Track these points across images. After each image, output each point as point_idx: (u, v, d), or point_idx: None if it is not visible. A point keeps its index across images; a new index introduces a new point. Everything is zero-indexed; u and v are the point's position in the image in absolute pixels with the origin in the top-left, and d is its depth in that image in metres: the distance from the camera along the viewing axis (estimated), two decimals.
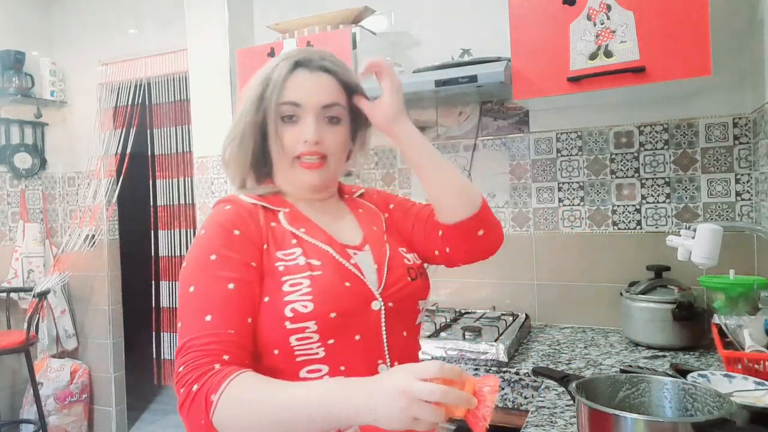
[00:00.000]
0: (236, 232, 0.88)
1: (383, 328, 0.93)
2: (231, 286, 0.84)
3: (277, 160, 0.98)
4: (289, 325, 0.84)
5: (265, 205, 0.96)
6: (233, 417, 0.74)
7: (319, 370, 0.87)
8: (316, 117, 0.95)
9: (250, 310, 0.85)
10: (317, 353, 0.86)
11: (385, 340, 0.93)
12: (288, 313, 0.84)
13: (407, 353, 0.97)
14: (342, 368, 0.87)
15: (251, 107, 0.96)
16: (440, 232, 1.05)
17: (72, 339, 3.39)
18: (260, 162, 1.00)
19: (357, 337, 0.89)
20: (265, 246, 0.90)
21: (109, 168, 3.36)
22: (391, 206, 1.13)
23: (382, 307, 0.93)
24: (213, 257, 0.85)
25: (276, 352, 0.86)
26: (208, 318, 0.81)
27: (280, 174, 1.00)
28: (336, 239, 0.96)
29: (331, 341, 0.87)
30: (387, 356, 0.92)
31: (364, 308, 0.91)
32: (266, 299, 0.86)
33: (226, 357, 0.79)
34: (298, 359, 0.86)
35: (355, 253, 0.96)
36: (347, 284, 0.90)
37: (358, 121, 1.03)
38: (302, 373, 0.87)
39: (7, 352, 2.88)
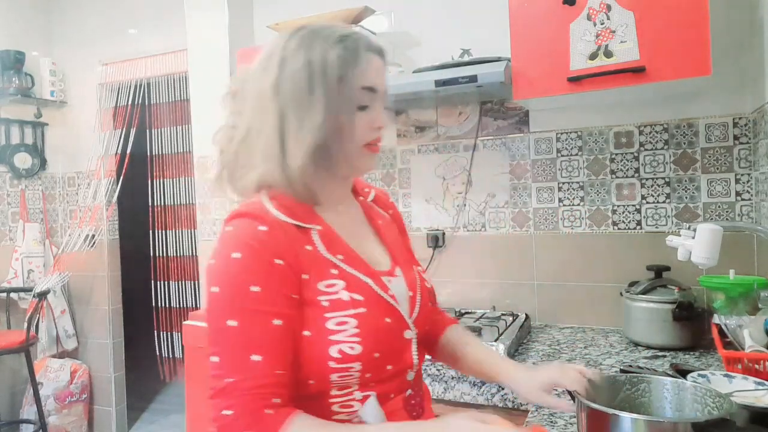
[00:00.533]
0: (278, 262, 0.80)
1: (414, 356, 0.92)
2: (277, 322, 0.79)
3: (340, 149, 0.89)
4: (333, 365, 0.81)
5: (298, 224, 0.86)
6: None
7: (351, 394, 0.86)
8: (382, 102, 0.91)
9: (293, 346, 0.81)
10: (352, 384, 0.85)
11: (414, 365, 0.93)
12: (335, 354, 0.81)
13: (421, 374, 0.99)
14: (371, 393, 0.87)
15: (334, 88, 0.85)
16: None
17: (72, 339, 3.39)
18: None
19: (389, 367, 0.88)
20: (305, 276, 0.83)
21: (109, 168, 3.35)
22: (401, 227, 1.12)
23: (414, 337, 0.92)
24: (255, 289, 0.78)
25: (312, 382, 0.83)
26: (257, 358, 0.76)
27: (342, 163, 0.91)
28: (371, 266, 0.91)
29: (368, 375, 0.85)
30: (412, 380, 0.93)
31: (400, 340, 0.90)
32: (307, 333, 0.81)
33: (277, 400, 0.77)
34: (333, 391, 0.84)
35: (389, 281, 0.92)
36: (387, 320, 0.87)
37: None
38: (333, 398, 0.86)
39: (7, 352, 2.88)
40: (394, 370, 0.89)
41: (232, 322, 0.77)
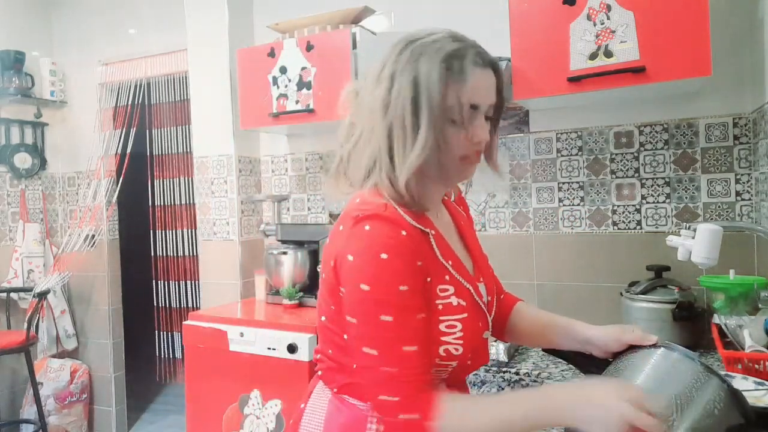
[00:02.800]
0: (419, 263, 0.87)
1: (489, 354, 1.02)
2: (421, 316, 0.85)
3: (436, 161, 0.90)
4: (438, 362, 0.89)
5: (423, 228, 0.91)
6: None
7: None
8: (484, 117, 0.92)
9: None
10: (442, 377, 0.93)
11: (488, 362, 1.03)
12: (441, 353, 0.88)
13: None
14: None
15: (438, 105, 0.86)
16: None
17: (72, 339, 3.39)
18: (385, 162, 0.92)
19: (469, 362, 0.95)
20: (428, 279, 0.89)
21: (109, 168, 3.35)
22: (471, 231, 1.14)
23: (489, 336, 1.00)
24: (403, 288, 0.84)
25: None
26: (412, 349, 0.83)
27: (437, 173, 0.92)
28: (468, 271, 0.98)
29: (457, 370, 0.94)
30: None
31: (483, 341, 0.98)
32: None
33: (430, 384, 0.85)
34: None
35: (478, 286, 0.98)
36: (480, 324, 0.95)
37: (494, 118, 0.98)
38: None
39: (7, 352, 2.88)
40: (473, 366, 0.98)
41: (386, 318, 0.83)
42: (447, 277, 0.91)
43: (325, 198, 2.58)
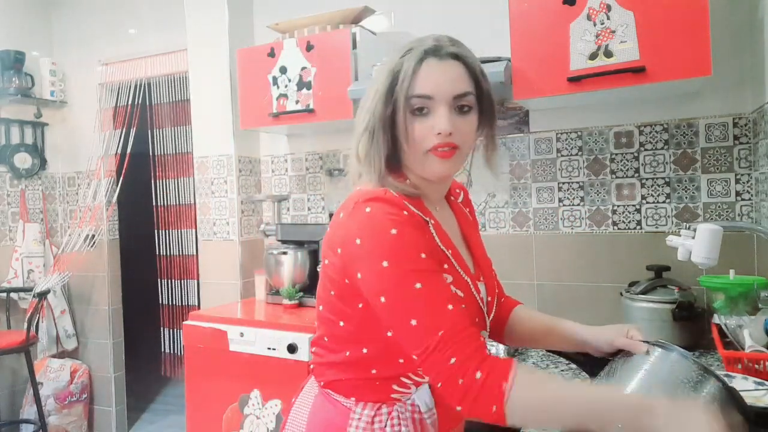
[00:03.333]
0: (426, 236, 0.89)
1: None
2: (445, 276, 0.88)
3: (408, 153, 0.93)
4: None
5: (422, 215, 0.93)
6: (527, 406, 0.77)
7: (416, 376, 0.94)
8: (448, 107, 0.91)
9: None
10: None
11: None
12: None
13: None
14: (425, 381, 0.95)
15: (380, 100, 0.92)
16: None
17: (72, 339, 3.39)
18: (392, 156, 0.95)
19: None
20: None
21: (109, 168, 3.35)
22: (476, 234, 1.14)
23: (487, 337, 1.00)
24: (423, 255, 0.84)
25: (401, 361, 0.92)
26: (450, 307, 0.82)
27: (412, 167, 0.95)
28: (468, 266, 0.98)
29: None
30: None
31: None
32: None
33: (481, 339, 0.82)
34: (407, 373, 0.94)
35: (477, 283, 0.98)
36: (477, 320, 0.94)
37: (486, 110, 0.99)
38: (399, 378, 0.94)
39: (7, 352, 2.88)
40: None
41: (418, 285, 0.82)
42: (446, 265, 0.91)
43: (325, 198, 2.58)
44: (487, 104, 0.97)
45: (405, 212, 0.87)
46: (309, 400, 1.02)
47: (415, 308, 0.82)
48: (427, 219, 0.93)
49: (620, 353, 0.94)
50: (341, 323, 0.92)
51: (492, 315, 1.03)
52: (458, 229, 1.05)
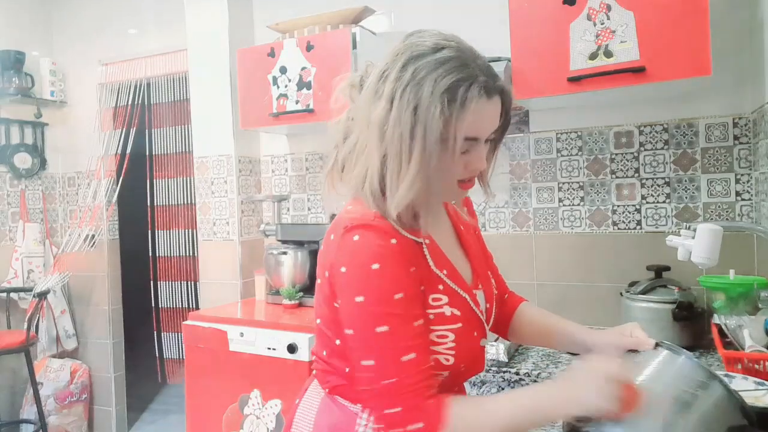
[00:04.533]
0: (412, 269, 0.86)
1: (485, 359, 1.01)
2: (419, 323, 0.85)
3: (438, 186, 0.87)
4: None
5: (414, 238, 0.90)
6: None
7: None
8: (485, 144, 0.89)
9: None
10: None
11: (484, 369, 1.02)
12: (431, 362, 0.87)
13: None
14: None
15: (432, 135, 0.81)
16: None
17: (72, 339, 3.39)
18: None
19: (462, 368, 0.94)
20: (422, 287, 0.89)
21: (109, 168, 3.35)
22: (476, 233, 1.13)
23: (487, 344, 0.99)
24: (398, 296, 0.83)
25: None
26: (410, 357, 0.82)
27: (435, 196, 0.89)
28: (465, 280, 0.96)
29: (450, 379, 0.92)
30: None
31: (479, 348, 0.97)
32: None
33: (433, 390, 0.83)
34: None
35: (476, 294, 0.97)
36: (475, 334, 0.94)
37: (498, 135, 0.95)
38: None
39: (7, 352, 2.88)
40: (468, 374, 0.98)
41: (383, 328, 0.82)
42: (441, 287, 0.91)
43: (324, 202, 2.58)
44: (503, 128, 0.95)
45: (393, 240, 0.85)
46: (314, 402, 1.01)
47: (374, 350, 0.83)
48: (421, 240, 0.91)
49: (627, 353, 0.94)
50: (338, 341, 0.92)
51: (491, 321, 1.02)
52: (455, 237, 1.04)
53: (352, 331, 0.85)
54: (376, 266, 0.83)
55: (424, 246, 0.91)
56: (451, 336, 0.88)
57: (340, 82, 0.98)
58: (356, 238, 0.85)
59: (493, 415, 0.81)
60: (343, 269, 0.85)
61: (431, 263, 0.91)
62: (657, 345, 0.90)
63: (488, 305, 1.01)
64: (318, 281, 0.95)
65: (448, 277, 0.92)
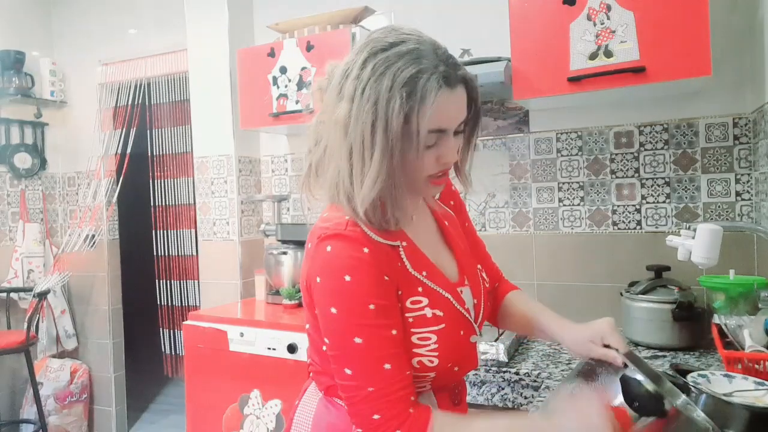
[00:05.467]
0: (386, 278, 0.86)
1: (478, 356, 1.01)
2: (394, 332, 0.85)
3: (407, 181, 0.86)
4: (412, 373, 0.88)
5: (389, 243, 0.89)
6: None
7: (419, 393, 0.93)
8: (453, 136, 0.87)
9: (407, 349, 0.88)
10: (424, 386, 0.93)
11: (477, 366, 1.02)
12: (414, 364, 0.88)
13: None
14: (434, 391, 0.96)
15: (396, 128, 0.80)
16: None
17: (72, 339, 3.39)
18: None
19: (456, 369, 0.95)
20: (399, 292, 0.88)
21: (109, 168, 3.35)
22: (467, 225, 1.13)
23: (478, 340, 0.99)
24: (372, 307, 0.83)
25: None
26: (388, 366, 0.83)
27: (406, 192, 0.88)
28: (448, 279, 0.95)
29: (437, 378, 0.93)
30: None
31: (468, 345, 0.97)
32: None
33: (413, 398, 0.84)
34: None
35: (461, 291, 0.97)
36: (462, 332, 0.94)
37: (473, 125, 0.94)
38: None
39: (7, 352, 2.88)
40: (460, 371, 0.97)
41: (358, 340, 0.83)
42: (420, 289, 0.90)
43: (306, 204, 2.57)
44: (475, 120, 0.93)
45: (366, 249, 0.85)
46: (312, 403, 1.01)
47: (352, 360, 0.84)
48: (397, 243, 0.90)
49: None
50: (324, 347, 0.91)
51: (481, 317, 1.01)
52: (438, 233, 1.03)
53: (329, 340, 0.86)
54: (348, 278, 0.83)
55: (400, 249, 0.90)
56: (434, 338, 0.88)
57: (313, 86, 0.98)
58: (329, 248, 0.86)
59: None
60: (318, 279, 0.86)
61: (408, 266, 0.90)
62: (624, 365, 0.89)
63: (476, 301, 1.00)
64: (303, 289, 0.95)
65: (428, 278, 0.91)
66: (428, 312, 0.89)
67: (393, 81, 0.81)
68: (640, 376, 0.84)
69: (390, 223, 0.88)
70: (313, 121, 0.95)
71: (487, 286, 1.06)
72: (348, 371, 0.84)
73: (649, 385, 0.83)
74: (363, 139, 0.82)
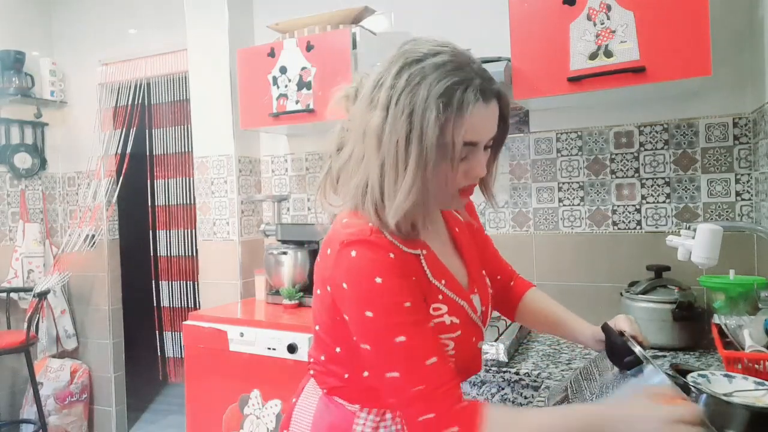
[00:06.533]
0: (414, 278, 0.87)
1: (482, 359, 1.03)
2: (431, 325, 0.86)
3: (438, 194, 0.87)
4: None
5: (411, 251, 0.90)
6: None
7: None
8: (484, 150, 0.88)
9: None
10: None
11: (481, 370, 1.07)
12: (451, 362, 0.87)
13: None
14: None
15: (431, 140, 0.80)
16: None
17: (72, 339, 3.39)
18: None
19: (460, 370, 0.94)
20: (424, 298, 0.89)
21: (109, 168, 3.35)
22: (476, 226, 1.15)
23: (482, 344, 1.01)
24: (407, 305, 0.83)
25: None
26: (433, 360, 0.82)
27: (435, 204, 0.89)
28: (462, 287, 0.96)
29: None
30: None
31: (477, 351, 0.99)
32: None
33: (460, 391, 0.83)
34: None
35: (473, 299, 0.98)
36: (474, 339, 0.96)
37: (496, 142, 0.94)
38: None
39: (7, 352, 2.88)
40: (464, 377, 0.98)
41: (400, 338, 0.82)
42: (440, 297, 0.91)
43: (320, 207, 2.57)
44: (503, 134, 0.93)
45: (391, 254, 0.84)
46: (312, 402, 1.01)
47: (397, 361, 0.82)
48: (418, 252, 0.91)
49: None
50: (338, 349, 0.92)
51: (487, 322, 1.03)
52: (450, 241, 1.04)
53: (369, 346, 0.84)
54: (379, 280, 0.83)
55: (421, 258, 0.91)
56: (451, 344, 0.90)
57: (336, 93, 0.98)
58: (354, 253, 0.84)
59: (530, 424, 0.80)
60: (345, 285, 0.85)
61: (429, 274, 0.91)
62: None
63: (484, 308, 1.01)
64: (317, 291, 0.94)
65: (446, 286, 0.93)
66: (447, 319, 0.90)
67: (429, 91, 0.81)
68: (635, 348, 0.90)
69: (419, 234, 0.89)
70: (338, 128, 0.96)
71: (491, 291, 1.08)
72: (394, 374, 0.82)
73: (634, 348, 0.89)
74: (397, 149, 0.82)
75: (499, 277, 1.21)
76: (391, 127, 0.82)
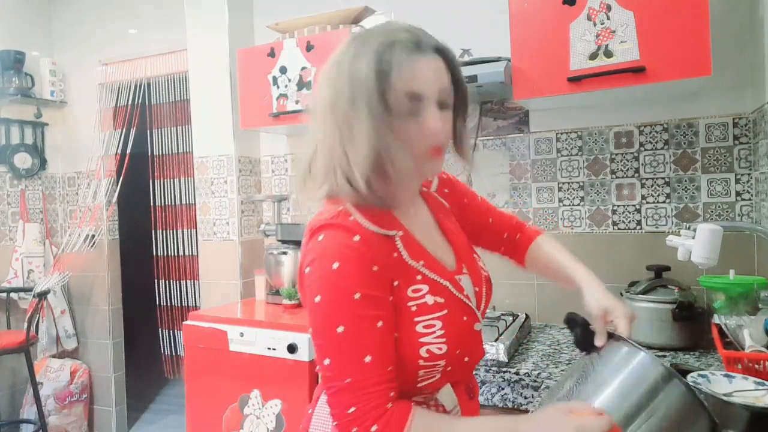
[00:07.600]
0: (375, 268, 0.84)
1: (484, 348, 1.03)
2: (380, 324, 0.83)
3: (404, 156, 0.87)
4: (422, 363, 0.88)
5: (384, 232, 0.89)
6: None
7: (432, 383, 0.93)
8: (435, 106, 0.87)
9: (394, 344, 0.87)
10: (435, 376, 0.92)
11: (485, 356, 1.05)
12: (423, 353, 0.87)
13: None
14: (448, 382, 0.96)
15: (374, 103, 0.83)
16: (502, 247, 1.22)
17: (72, 339, 3.39)
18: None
19: (466, 359, 0.95)
20: (396, 283, 0.87)
21: (109, 168, 3.36)
22: (466, 201, 1.15)
23: (482, 328, 1.00)
24: (357, 296, 0.82)
25: (419, 375, 0.91)
26: (368, 359, 0.81)
27: (408, 169, 0.90)
28: (445, 267, 0.96)
29: (449, 368, 0.92)
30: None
31: (473, 333, 0.97)
32: (396, 335, 0.86)
33: (392, 394, 0.82)
34: (419, 384, 0.91)
35: (460, 279, 0.97)
36: (465, 318, 0.94)
37: (460, 102, 0.95)
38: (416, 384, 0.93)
39: (7, 352, 2.88)
40: (470, 361, 0.97)
41: (340, 328, 0.81)
42: (419, 277, 0.90)
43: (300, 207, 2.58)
44: (462, 95, 0.95)
45: (356, 237, 0.84)
46: (327, 411, 0.97)
47: (332, 350, 0.83)
48: (393, 233, 0.90)
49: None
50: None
51: (483, 304, 1.02)
52: (434, 225, 1.04)
53: (312, 330, 0.85)
54: (336, 265, 0.82)
55: (396, 239, 0.91)
56: (439, 324, 0.88)
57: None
58: (320, 238, 0.86)
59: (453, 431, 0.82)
60: (307, 270, 0.86)
61: (405, 255, 0.90)
62: (621, 342, 0.95)
63: (477, 289, 1.00)
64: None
65: (426, 266, 0.92)
66: (429, 299, 0.89)
67: (364, 56, 0.85)
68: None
69: (395, 197, 0.91)
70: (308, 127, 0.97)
71: (486, 274, 1.07)
72: (327, 361, 0.83)
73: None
74: (347, 115, 0.85)
75: (505, 235, 1.21)
76: (339, 92, 0.86)
